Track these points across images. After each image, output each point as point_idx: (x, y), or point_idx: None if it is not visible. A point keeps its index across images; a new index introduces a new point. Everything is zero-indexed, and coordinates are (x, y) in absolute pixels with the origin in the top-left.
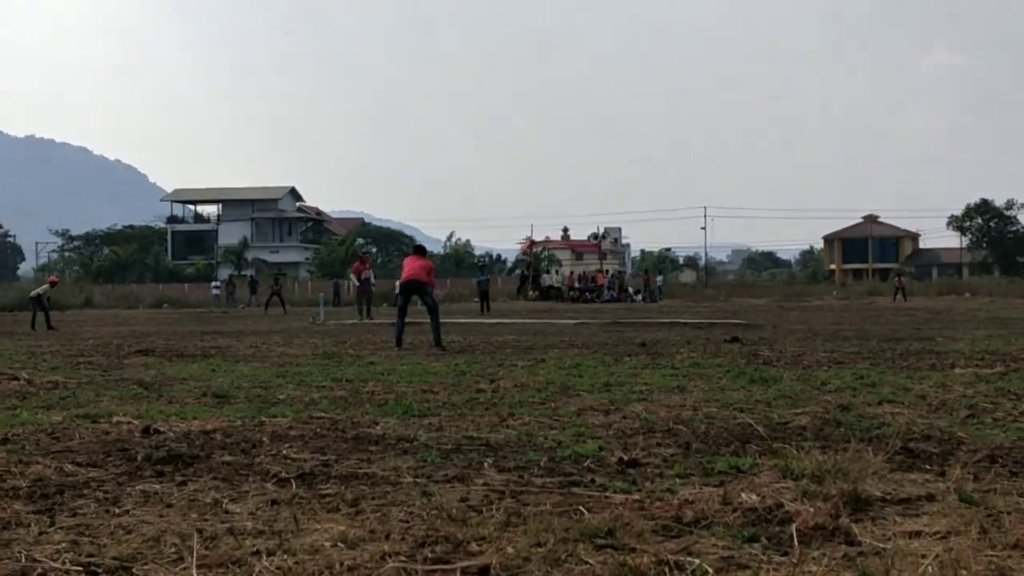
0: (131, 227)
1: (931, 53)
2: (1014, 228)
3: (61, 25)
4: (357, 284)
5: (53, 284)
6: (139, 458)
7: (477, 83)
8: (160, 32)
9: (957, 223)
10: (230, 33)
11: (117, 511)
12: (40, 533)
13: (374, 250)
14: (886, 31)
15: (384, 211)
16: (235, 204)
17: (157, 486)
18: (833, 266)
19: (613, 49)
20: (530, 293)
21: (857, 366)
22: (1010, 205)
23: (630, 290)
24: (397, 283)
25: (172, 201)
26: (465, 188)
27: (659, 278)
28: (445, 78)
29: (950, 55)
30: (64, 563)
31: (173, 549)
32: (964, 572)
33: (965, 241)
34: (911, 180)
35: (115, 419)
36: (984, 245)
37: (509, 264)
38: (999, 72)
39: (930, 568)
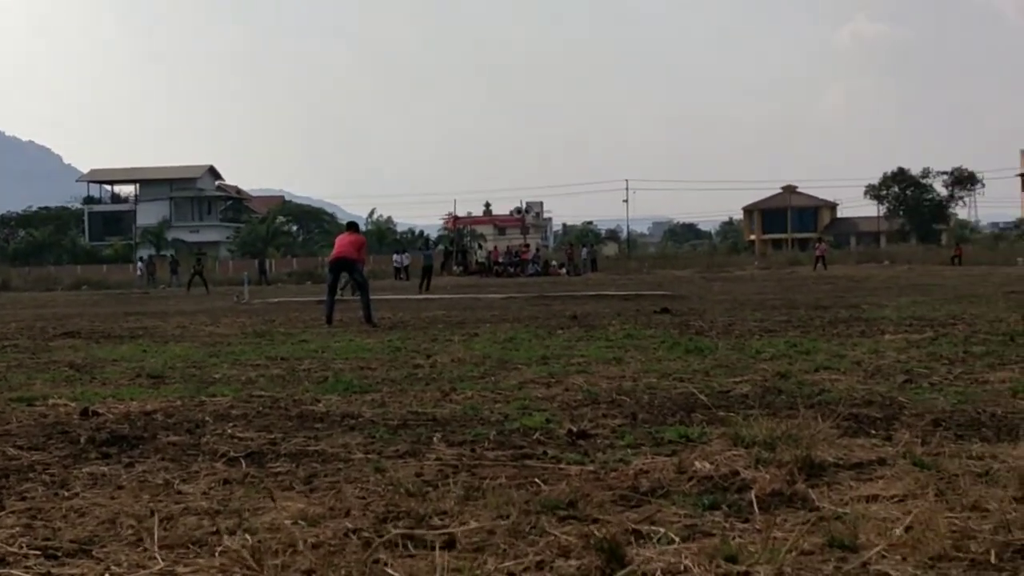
0: (47, 208)
1: (850, 23)
2: (930, 196)
3: None
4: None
5: None
6: (82, 440)
7: (396, 57)
8: (70, 7)
9: (874, 192)
10: (142, 8)
11: (67, 494)
12: None
13: (295, 228)
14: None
15: (304, 188)
16: (153, 184)
17: (104, 468)
18: (753, 237)
19: (536, 25)
20: (454, 268)
21: (788, 334)
22: (926, 173)
23: (554, 263)
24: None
25: (88, 181)
26: (386, 164)
27: (584, 250)
28: (363, 52)
29: (870, 25)
30: (21, 547)
31: (131, 531)
32: (931, 534)
33: (882, 210)
34: (828, 150)
35: (51, 401)
36: (901, 213)
37: (432, 240)
38: (918, 42)
39: (898, 531)
